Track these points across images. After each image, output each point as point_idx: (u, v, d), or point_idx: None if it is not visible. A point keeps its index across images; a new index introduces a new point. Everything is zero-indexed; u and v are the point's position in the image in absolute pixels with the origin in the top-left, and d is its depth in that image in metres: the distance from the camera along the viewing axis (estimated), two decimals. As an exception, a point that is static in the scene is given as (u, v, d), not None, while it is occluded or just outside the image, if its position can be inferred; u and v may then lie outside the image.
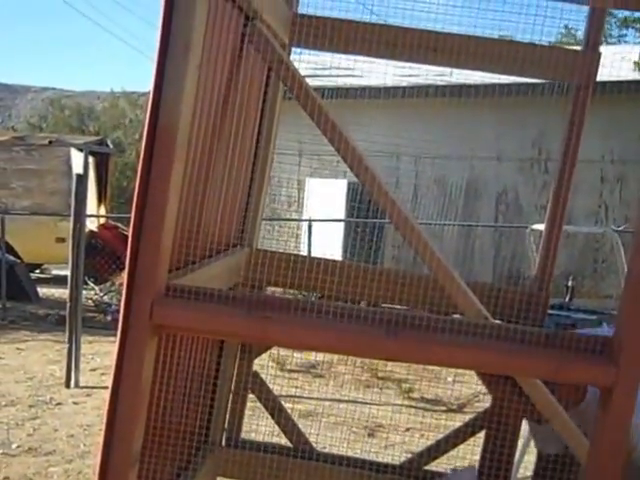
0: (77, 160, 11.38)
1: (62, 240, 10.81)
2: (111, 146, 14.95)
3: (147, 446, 1.95)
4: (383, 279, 2.64)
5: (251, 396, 3.05)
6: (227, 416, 3.00)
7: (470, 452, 2.99)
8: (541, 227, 2.90)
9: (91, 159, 11.95)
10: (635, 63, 10.05)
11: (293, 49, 2.79)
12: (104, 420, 1.73)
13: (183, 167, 1.70)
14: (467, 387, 7.33)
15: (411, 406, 7.26)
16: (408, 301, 2.46)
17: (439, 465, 2.93)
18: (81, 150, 8.67)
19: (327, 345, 1.57)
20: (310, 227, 11.44)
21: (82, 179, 7.04)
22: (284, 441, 3.08)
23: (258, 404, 3.09)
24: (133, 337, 1.64)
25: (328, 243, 10.90)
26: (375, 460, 3.13)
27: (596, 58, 2.66)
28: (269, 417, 3.03)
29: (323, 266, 2.68)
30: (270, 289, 2.97)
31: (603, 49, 2.72)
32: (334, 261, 2.78)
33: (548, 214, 2.76)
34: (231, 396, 2.96)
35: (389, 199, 2.06)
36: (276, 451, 2.93)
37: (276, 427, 3.04)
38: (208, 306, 1.62)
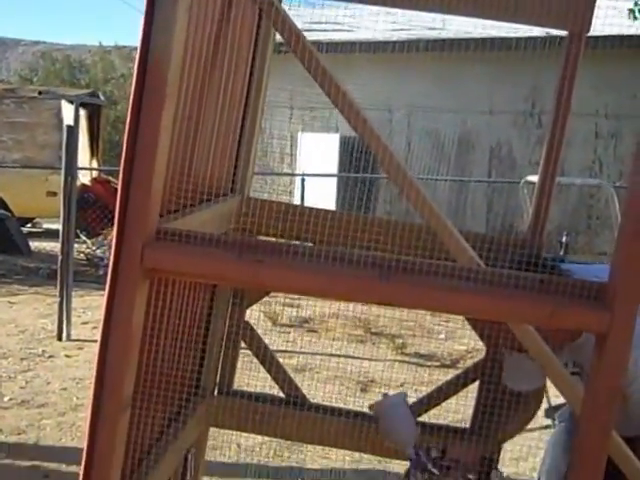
0: (68, 113, 11.29)
1: (53, 194, 10.77)
2: (102, 98, 14.83)
3: (138, 392, 1.94)
4: (375, 227, 2.62)
5: (244, 352, 3.05)
6: (219, 365, 2.99)
7: (464, 405, 2.99)
8: (535, 179, 2.88)
9: (82, 111, 11.86)
10: (630, 10, 9.93)
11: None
12: (95, 366, 1.71)
13: (174, 109, 1.67)
14: (460, 344, 7.37)
15: (404, 361, 7.30)
16: (401, 247, 2.45)
17: (432, 417, 2.94)
18: (72, 102, 8.60)
19: (319, 289, 1.55)
20: (303, 182, 11.40)
21: (73, 131, 6.98)
22: (277, 392, 3.08)
23: (250, 359, 3.09)
24: (123, 281, 1.62)
25: (321, 198, 10.87)
26: (368, 413, 3.13)
27: (590, 6, 2.62)
28: (261, 372, 3.03)
29: (316, 215, 2.65)
30: (262, 238, 2.95)
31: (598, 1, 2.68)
32: (327, 210, 2.76)
33: (542, 164, 2.74)
34: (223, 344, 2.95)
35: (382, 145, 2.03)
36: (268, 401, 2.93)
37: (268, 382, 3.03)
38: (199, 249, 1.60)
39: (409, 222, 2.66)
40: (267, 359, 2.98)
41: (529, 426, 5.69)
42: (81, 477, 1.74)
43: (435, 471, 2.45)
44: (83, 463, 1.72)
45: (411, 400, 2.92)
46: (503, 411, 2.61)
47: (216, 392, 2.97)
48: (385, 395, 2.60)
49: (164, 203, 1.79)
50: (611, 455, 1.91)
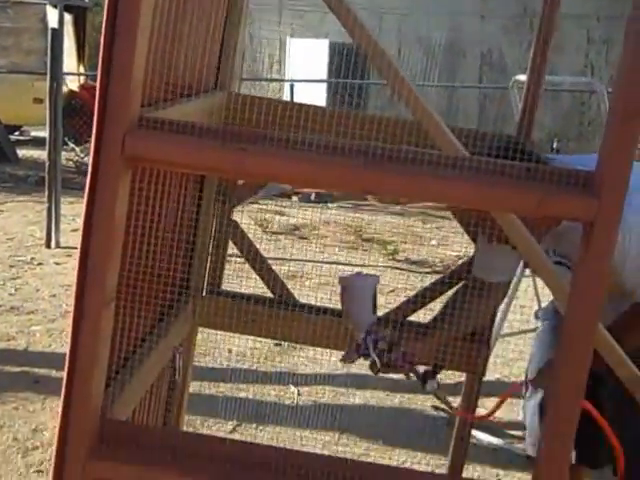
0: (53, 17, 11.08)
1: (40, 101, 10.61)
2: (87, 0, 14.51)
3: (122, 290, 1.93)
4: (367, 123, 2.58)
5: (232, 259, 3.05)
6: (208, 265, 2.98)
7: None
8: (524, 77, 2.84)
9: (68, 16, 11.63)
10: None
11: None
12: (77, 258, 1.70)
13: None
14: (451, 250, 7.38)
15: (396, 268, 7.32)
16: (392, 144, 2.41)
17: (419, 316, 2.95)
18: (55, 6, 8.42)
19: (303, 177, 1.52)
20: (292, 88, 11.27)
21: (57, 34, 6.84)
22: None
23: (240, 266, 3.09)
24: (105, 171, 1.59)
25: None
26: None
27: None
28: (251, 276, 3.03)
29: (305, 110, 2.61)
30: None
31: None
32: (316, 106, 2.72)
33: (530, 60, 2.69)
34: (212, 244, 2.94)
35: (373, 43, 1.97)
36: (257, 301, 2.93)
37: (257, 284, 3.03)
38: (182, 137, 1.57)
39: (401, 118, 2.62)
40: (256, 261, 2.97)
41: (523, 327, 5.75)
42: (65, 372, 1.73)
43: (377, 360, 2.47)
44: (67, 359, 1.72)
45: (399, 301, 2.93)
46: (465, 305, 2.61)
47: (205, 292, 2.97)
48: (358, 274, 2.59)
49: (145, 94, 1.75)
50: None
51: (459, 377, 2.93)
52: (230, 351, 4.77)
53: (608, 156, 1.55)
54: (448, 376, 4.51)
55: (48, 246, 6.88)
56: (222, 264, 3.00)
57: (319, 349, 4.87)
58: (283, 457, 1.84)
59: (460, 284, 2.78)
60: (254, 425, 4.03)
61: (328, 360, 4.34)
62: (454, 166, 1.52)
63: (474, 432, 3.91)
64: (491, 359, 4.51)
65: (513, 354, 4.98)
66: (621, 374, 1.94)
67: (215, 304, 2.91)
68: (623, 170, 1.54)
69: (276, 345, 4.99)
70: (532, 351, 3.18)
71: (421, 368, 2.59)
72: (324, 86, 12.60)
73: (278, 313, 2.88)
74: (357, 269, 7.16)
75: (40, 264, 6.41)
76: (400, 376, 2.95)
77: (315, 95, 11.94)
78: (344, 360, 2.57)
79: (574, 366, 1.64)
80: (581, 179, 1.59)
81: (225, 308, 2.89)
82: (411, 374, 2.55)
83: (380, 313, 2.60)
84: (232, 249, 2.98)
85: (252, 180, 2.74)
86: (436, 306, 2.87)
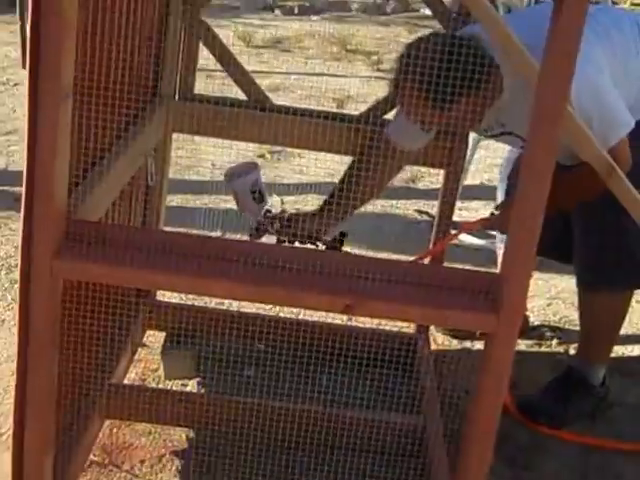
0: None
1: None
2: None
3: (84, 89, 1.86)
4: None
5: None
6: (179, 70, 2.88)
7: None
8: None
9: None
10: None
11: None
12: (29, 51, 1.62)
13: None
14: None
15: (380, 77, 7.19)
16: None
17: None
18: None
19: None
20: None
21: None
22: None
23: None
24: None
25: None
26: (333, 111, 3.08)
27: None
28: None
29: None
30: None
31: None
32: None
33: None
34: (181, 48, 2.83)
35: None
36: (231, 104, 2.86)
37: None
38: None
39: None
40: (230, 63, 2.87)
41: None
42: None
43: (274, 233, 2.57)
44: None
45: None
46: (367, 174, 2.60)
47: (177, 98, 2.89)
48: (243, 165, 2.70)
49: None
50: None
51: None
52: (213, 164, 4.72)
53: None
54: (433, 183, 4.52)
55: (24, 67, 6.70)
56: (194, 70, 2.91)
57: (303, 160, 4.87)
58: (260, 250, 1.83)
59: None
60: (238, 236, 4.02)
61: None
62: None
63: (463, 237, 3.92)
64: (472, 167, 4.52)
65: (494, 160, 4.93)
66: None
67: (188, 109, 2.84)
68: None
69: (259, 157, 4.94)
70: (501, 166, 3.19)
71: (328, 237, 2.64)
72: None
73: (254, 115, 2.82)
74: (341, 80, 7.06)
75: (16, 85, 6.27)
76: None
77: None
78: (251, 237, 2.66)
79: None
80: None
81: (198, 113, 2.83)
82: (318, 244, 2.62)
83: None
84: (216, 65, 2.89)
85: None
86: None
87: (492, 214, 2.73)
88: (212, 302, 3.29)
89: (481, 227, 2.79)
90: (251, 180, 2.63)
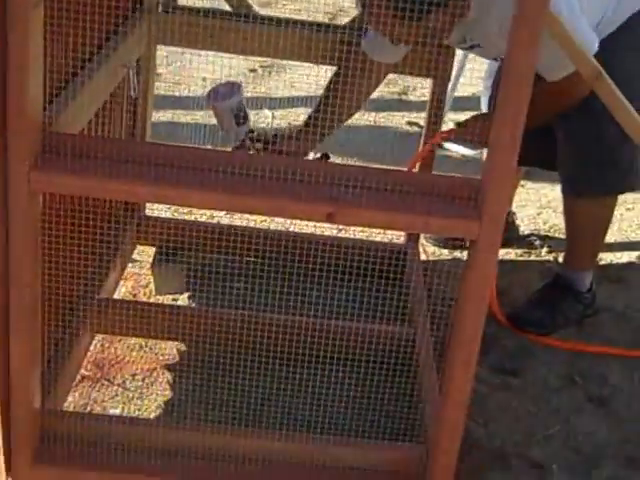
0: None
1: None
2: None
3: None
4: None
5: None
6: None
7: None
8: None
9: None
10: None
11: None
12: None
13: None
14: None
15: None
16: None
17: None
18: None
19: None
20: None
21: None
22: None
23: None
24: None
25: None
26: (319, 21, 3.02)
27: None
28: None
29: None
30: None
31: None
32: None
33: None
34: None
35: None
36: (217, 15, 2.81)
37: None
38: None
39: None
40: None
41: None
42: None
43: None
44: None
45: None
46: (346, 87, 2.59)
47: (160, 9, 2.83)
48: (226, 84, 2.64)
49: None
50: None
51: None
52: (204, 79, 4.65)
53: None
54: (425, 95, 4.47)
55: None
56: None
57: (295, 76, 4.80)
58: (240, 160, 1.81)
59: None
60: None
61: (306, 83, 4.26)
62: None
63: (447, 144, 3.90)
64: (463, 79, 4.45)
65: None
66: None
67: (172, 20, 2.79)
68: None
69: (251, 71, 4.89)
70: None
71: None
72: None
73: (239, 26, 2.77)
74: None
75: None
76: (376, 94, 2.93)
77: None
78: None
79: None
80: None
81: (183, 24, 2.78)
82: None
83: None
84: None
85: None
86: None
87: (458, 124, 2.73)
88: (203, 217, 3.29)
89: (455, 135, 2.77)
90: (235, 102, 2.60)
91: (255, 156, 2.00)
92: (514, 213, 3.46)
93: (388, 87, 4.78)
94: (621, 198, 2.94)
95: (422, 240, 3.24)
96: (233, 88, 2.65)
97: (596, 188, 2.75)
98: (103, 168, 1.76)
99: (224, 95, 2.62)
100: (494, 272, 2.74)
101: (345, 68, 2.66)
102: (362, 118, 4.35)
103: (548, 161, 2.85)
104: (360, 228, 3.35)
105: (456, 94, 4.37)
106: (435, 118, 2.88)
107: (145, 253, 3.06)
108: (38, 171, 1.72)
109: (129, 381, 2.49)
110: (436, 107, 2.86)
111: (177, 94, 4.50)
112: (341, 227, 3.36)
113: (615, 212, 2.90)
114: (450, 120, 4.06)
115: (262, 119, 4.32)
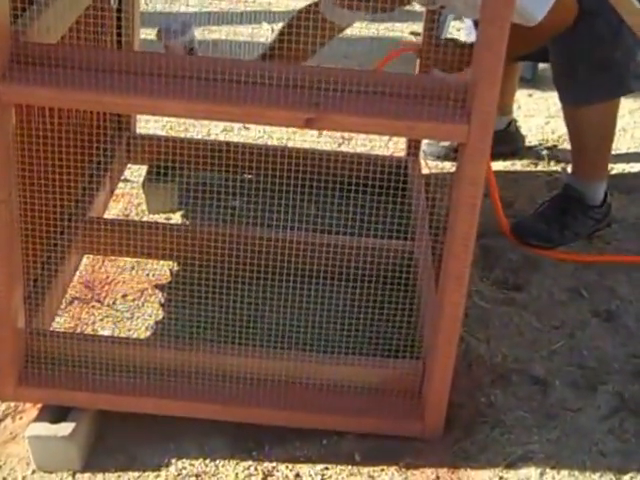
0: None
1: None
2: None
3: None
4: None
5: None
6: None
7: None
8: None
9: None
10: None
11: None
12: None
13: None
14: None
15: None
16: None
17: None
18: None
19: None
20: None
21: None
22: None
23: None
24: None
25: None
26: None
27: None
28: None
29: None
30: None
31: None
32: None
33: None
34: None
35: None
36: None
37: None
38: None
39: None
40: None
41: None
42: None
43: None
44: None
45: None
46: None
47: None
48: (175, 22, 2.53)
49: None
50: None
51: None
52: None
53: None
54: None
55: None
56: None
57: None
58: (215, 65, 1.72)
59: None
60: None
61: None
62: None
63: (434, 71, 3.76)
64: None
65: None
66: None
67: None
68: None
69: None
70: None
71: None
72: None
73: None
74: None
75: None
76: None
77: None
78: None
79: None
80: None
81: None
82: None
83: None
84: None
85: None
86: None
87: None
88: (199, 135, 3.21)
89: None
90: (188, 38, 2.51)
91: (234, 61, 1.89)
92: (516, 121, 3.33)
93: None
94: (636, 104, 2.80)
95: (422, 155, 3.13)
96: (185, 24, 2.56)
97: (592, 95, 2.63)
98: (75, 78, 1.68)
99: (176, 31, 2.53)
100: (492, 181, 2.65)
101: (297, 19, 2.62)
102: (364, 29, 4.21)
103: (542, 52, 2.69)
104: (361, 142, 3.26)
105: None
106: (432, 24, 2.77)
107: (138, 173, 2.98)
108: (7, 82, 1.65)
109: (120, 302, 2.43)
110: (432, 16, 2.76)
111: (167, 9, 4.37)
112: (341, 141, 3.27)
113: (629, 119, 2.77)
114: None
115: (262, 32, 4.20)
